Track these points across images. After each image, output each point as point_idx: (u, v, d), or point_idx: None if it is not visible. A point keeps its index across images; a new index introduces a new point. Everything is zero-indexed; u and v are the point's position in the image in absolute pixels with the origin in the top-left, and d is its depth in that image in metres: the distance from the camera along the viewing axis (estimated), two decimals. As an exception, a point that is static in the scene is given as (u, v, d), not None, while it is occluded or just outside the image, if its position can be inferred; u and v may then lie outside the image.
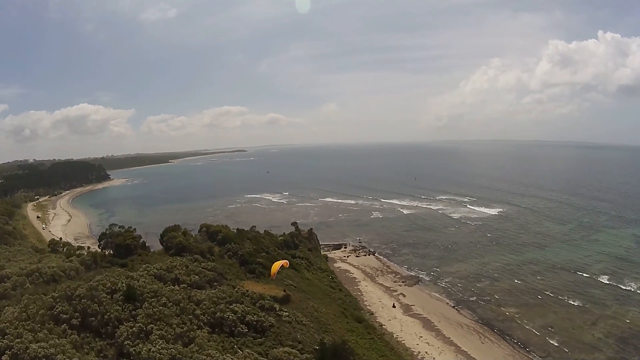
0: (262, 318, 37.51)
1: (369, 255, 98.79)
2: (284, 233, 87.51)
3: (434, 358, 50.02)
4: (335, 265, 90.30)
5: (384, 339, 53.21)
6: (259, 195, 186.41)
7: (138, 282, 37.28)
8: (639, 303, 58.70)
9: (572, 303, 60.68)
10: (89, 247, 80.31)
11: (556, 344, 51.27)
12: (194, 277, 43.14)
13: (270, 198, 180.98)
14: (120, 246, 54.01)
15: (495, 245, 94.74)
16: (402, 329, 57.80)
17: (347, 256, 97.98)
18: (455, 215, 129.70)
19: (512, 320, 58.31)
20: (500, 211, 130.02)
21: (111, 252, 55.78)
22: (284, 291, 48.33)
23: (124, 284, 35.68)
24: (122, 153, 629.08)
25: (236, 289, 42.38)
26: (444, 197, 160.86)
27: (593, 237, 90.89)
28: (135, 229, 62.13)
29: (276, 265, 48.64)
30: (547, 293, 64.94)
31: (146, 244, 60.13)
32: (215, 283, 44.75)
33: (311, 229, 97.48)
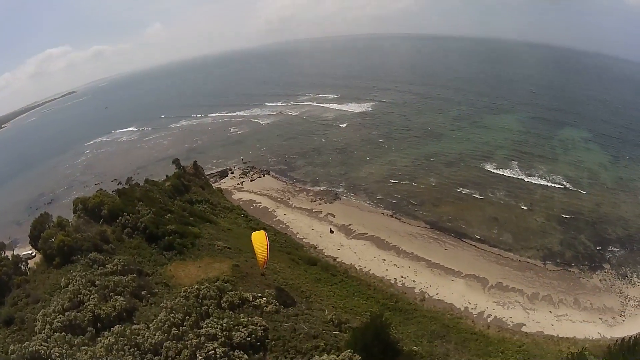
0: (252, 325, 23.23)
1: (263, 175, 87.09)
2: (167, 176, 67.95)
3: (414, 280, 45.44)
4: (235, 197, 75.96)
5: (353, 276, 45.31)
6: (105, 138, 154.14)
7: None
8: (556, 185, 66.06)
9: (500, 193, 64.76)
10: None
11: (511, 235, 53.33)
12: (117, 300, 24.25)
13: (118, 137, 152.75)
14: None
15: (390, 141, 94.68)
16: (359, 256, 51.22)
17: (242, 182, 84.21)
18: (329, 116, 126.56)
19: (457, 219, 58.74)
20: (373, 105, 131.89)
21: None
22: (236, 265, 32.89)
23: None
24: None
25: (184, 293, 25.76)
26: (305, 100, 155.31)
27: (481, 124, 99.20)
28: None
29: (261, 244, 30.43)
30: (471, 186, 67.99)
31: (18, 258, 37.01)
32: (144, 292, 27.13)
33: (195, 161, 78.41)
